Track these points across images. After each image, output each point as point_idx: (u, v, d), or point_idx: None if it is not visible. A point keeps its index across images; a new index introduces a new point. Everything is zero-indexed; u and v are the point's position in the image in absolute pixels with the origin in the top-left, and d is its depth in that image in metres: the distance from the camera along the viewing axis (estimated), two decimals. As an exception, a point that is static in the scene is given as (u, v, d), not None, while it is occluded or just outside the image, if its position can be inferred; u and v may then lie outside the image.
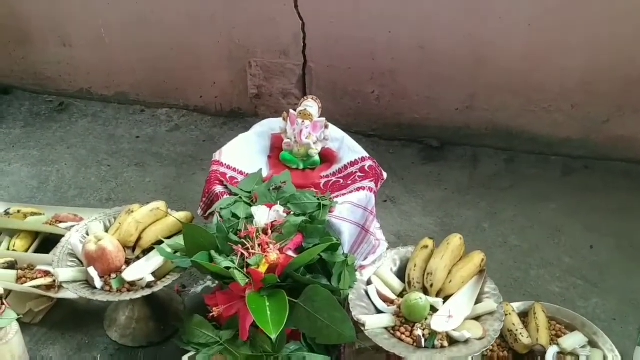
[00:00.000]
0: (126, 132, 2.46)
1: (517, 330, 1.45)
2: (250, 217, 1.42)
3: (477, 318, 1.39)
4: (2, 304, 1.42)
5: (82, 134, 2.45)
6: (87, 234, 1.57)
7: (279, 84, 2.36)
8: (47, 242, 1.84)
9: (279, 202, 1.46)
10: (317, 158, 1.68)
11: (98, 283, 1.43)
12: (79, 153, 2.33)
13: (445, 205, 2.08)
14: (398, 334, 1.35)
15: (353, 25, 2.18)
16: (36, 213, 1.89)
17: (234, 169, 1.64)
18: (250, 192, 1.52)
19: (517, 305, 1.55)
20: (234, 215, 1.43)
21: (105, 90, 2.62)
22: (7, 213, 1.89)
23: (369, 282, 1.46)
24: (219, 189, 1.55)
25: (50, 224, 1.83)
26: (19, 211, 1.89)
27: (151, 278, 1.45)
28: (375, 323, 1.35)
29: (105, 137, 2.43)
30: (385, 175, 1.68)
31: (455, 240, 1.48)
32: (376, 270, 1.48)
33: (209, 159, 2.25)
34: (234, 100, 2.48)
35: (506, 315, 1.45)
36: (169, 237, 1.54)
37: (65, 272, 1.46)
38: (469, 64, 2.18)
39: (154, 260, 1.49)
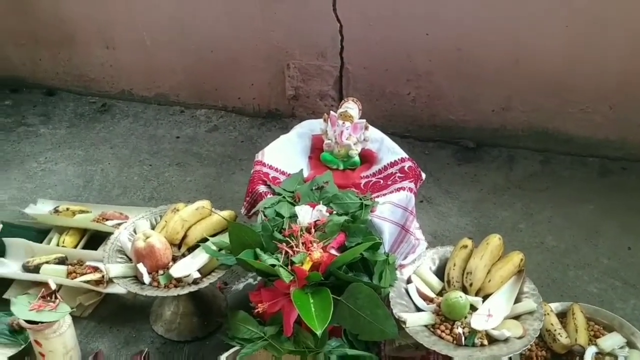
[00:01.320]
0: (166, 132, 2.52)
1: (555, 330, 1.46)
2: (293, 216, 1.45)
3: (516, 317, 1.40)
4: (56, 297, 1.48)
5: (124, 134, 2.52)
6: (135, 232, 1.62)
7: (316, 85, 2.40)
8: (94, 239, 1.91)
9: (321, 202, 1.49)
10: (357, 159, 1.71)
11: (147, 279, 1.48)
12: (122, 153, 2.40)
13: (481, 206, 2.09)
14: (438, 331, 1.37)
15: (390, 27, 2.20)
16: (84, 211, 1.96)
17: (276, 169, 1.67)
18: (292, 192, 1.55)
19: (555, 306, 1.56)
20: (278, 214, 1.47)
21: (145, 92, 2.69)
22: (56, 211, 1.96)
23: (408, 281, 1.48)
24: (262, 188, 1.59)
25: (97, 222, 1.89)
26: (67, 209, 1.95)
27: (197, 275, 1.49)
28: (415, 321, 1.37)
29: (146, 137, 2.49)
30: (424, 176, 1.71)
31: (495, 241, 1.50)
32: (416, 269, 1.50)
33: (248, 159, 2.31)
34: (271, 101, 2.52)
35: (545, 315, 1.46)
36: (213, 235, 1.58)
37: (116, 268, 1.51)
38: (506, 66, 2.19)
39: (200, 258, 1.53)
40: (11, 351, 1.56)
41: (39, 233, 1.92)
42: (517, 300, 1.44)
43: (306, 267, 1.33)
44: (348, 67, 2.33)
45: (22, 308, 1.45)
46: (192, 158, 2.35)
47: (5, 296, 1.72)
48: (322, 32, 2.28)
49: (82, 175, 2.27)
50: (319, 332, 1.20)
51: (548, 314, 1.50)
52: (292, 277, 1.33)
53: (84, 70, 2.71)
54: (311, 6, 2.23)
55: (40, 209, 1.99)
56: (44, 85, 2.82)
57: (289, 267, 1.34)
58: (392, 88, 2.33)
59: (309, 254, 1.35)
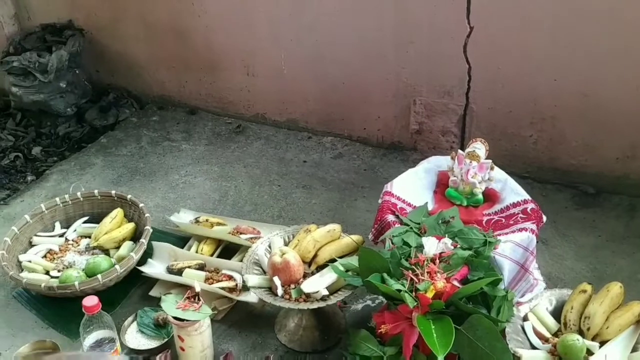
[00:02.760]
0: (295, 156, 2.68)
1: (671, 383, 1.46)
2: (420, 247, 1.54)
3: (633, 366, 1.42)
4: (200, 299, 1.65)
5: (257, 154, 2.70)
6: (270, 247, 1.77)
7: (440, 122, 2.48)
8: (227, 250, 2.08)
9: (447, 235, 1.57)
10: (480, 197, 1.78)
11: (280, 291, 1.62)
12: (254, 172, 2.58)
13: (598, 252, 2.08)
14: (553, 370, 1.41)
15: (518, 71, 2.25)
16: (221, 223, 2.13)
17: (403, 200, 1.77)
18: (419, 223, 1.65)
19: (672, 360, 1.55)
20: (405, 244, 1.56)
21: (278, 117, 2.87)
22: (197, 221, 2.15)
23: (525, 319, 1.53)
24: (390, 217, 1.69)
25: (233, 234, 2.06)
26: (207, 220, 2.14)
27: (326, 292, 1.61)
28: (531, 357, 1.42)
29: (276, 159, 2.66)
30: (544, 218, 1.75)
31: (616, 289, 1.52)
32: (532, 308, 1.55)
33: (369, 187, 2.43)
34: (395, 134, 2.63)
35: (661, 367, 1.46)
36: (341, 257, 1.70)
37: (254, 279, 1.66)
38: (634, 114, 2.17)
39: (328, 276, 1.65)
40: (155, 343, 1.74)
41: (179, 239, 2.12)
42: (634, 349, 1.45)
43: (430, 295, 1.41)
44: (472, 106, 2.40)
45: (171, 305, 1.62)
46: (317, 182, 2.50)
47: (150, 293, 1.92)
48: (450, 72, 2.37)
49: (218, 190, 2.47)
50: (440, 357, 1.28)
51: (665, 366, 1.49)
52: (415, 303, 1.41)
53: (224, 93, 2.94)
54: (442, 47, 2.33)
55: (183, 218, 2.19)
56: (187, 105, 3.08)
57: (414, 293, 1.43)
58: (515, 129, 2.37)
59: (433, 283, 1.43)
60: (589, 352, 1.44)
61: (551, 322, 1.54)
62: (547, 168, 2.41)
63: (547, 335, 1.50)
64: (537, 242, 1.68)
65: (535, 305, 1.56)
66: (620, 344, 1.45)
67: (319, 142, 2.77)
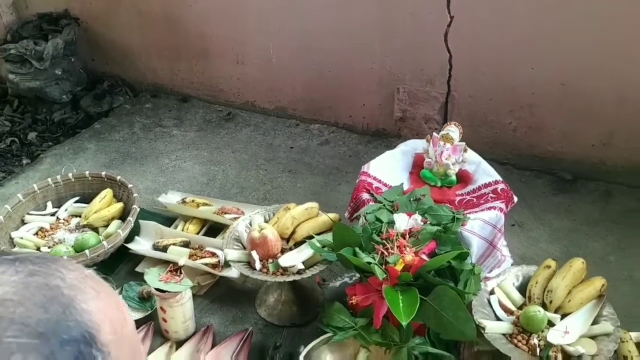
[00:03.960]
0: (282, 142, 2.73)
1: (632, 357, 1.50)
2: (391, 223, 1.59)
3: (592, 338, 1.47)
4: (181, 273, 1.70)
5: (245, 140, 2.75)
6: (251, 224, 1.82)
7: (422, 109, 2.53)
8: (212, 229, 2.13)
9: (417, 212, 1.62)
10: (454, 178, 1.83)
11: (258, 265, 1.67)
12: (242, 157, 2.63)
13: (572, 235, 2.13)
14: (515, 341, 1.46)
15: (497, 60, 2.30)
16: (207, 204, 2.19)
17: (379, 181, 1.82)
18: (392, 202, 1.69)
19: (635, 335, 1.59)
20: (378, 220, 1.61)
21: (267, 104, 2.92)
22: (183, 201, 2.20)
23: (491, 292, 1.58)
24: (365, 196, 1.74)
25: (217, 214, 2.11)
26: (193, 201, 2.19)
27: (302, 266, 1.66)
28: (494, 328, 1.47)
29: (264, 145, 2.71)
30: (515, 199, 1.80)
31: (578, 264, 1.57)
32: (499, 283, 1.60)
33: (353, 172, 2.47)
34: (380, 121, 2.67)
35: (623, 342, 1.51)
36: (319, 234, 1.75)
37: (233, 253, 1.71)
38: (610, 103, 2.22)
39: (305, 252, 1.70)
40: (139, 315, 1.80)
41: (167, 219, 2.17)
42: (595, 322, 1.50)
43: (398, 267, 1.46)
44: (454, 94, 2.44)
45: (154, 278, 1.67)
46: (303, 167, 2.54)
47: (137, 269, 1.97)
48: (432, 61, 2.41)
49: (206, 174, 2.52)
50: (404, 323, 1.33)
51: (627, 340, 1.54)
52: (385, 275, 1.47)
53: (215, 81, 2.99)
54: (424, 36, 2.37)
55: (170, 199, 2.24)
56: (179, 93, 3.12)
57: (383, 266, 1.48)
58: (495, 117, 2.42)
59: (402, 256, 1.48)
60: (551, 324, 1.49)
61: (517, 296, 1.58)
62: (526, 155, 2.46)
63: (513, 308, 1.55)
64: (508, 223, 1.73)
65: (502, 280, 1.60)
66: (582, 317, 1.50)
67: (306, 129, 2.81)
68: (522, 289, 1.62)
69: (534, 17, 2.17)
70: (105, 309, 0.48)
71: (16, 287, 0.44)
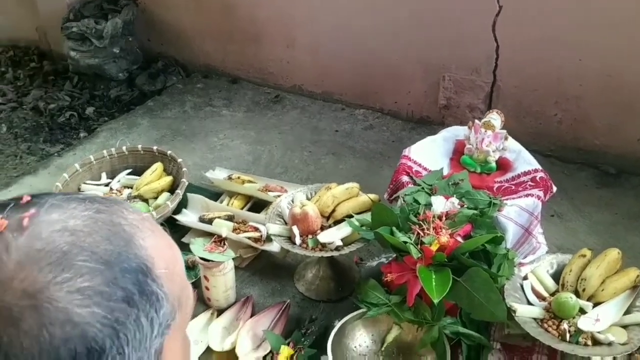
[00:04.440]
0: (327, 126, 2.78)
1: (663, 348, 1.50)
2: (429, 205, 1.62)
3: (623, 327, 1.47)
4: (225, 244, 1.77)
5: (291, 122, 2.81)
6: (293, 201, 1.87)
7: (467, 98, 2.54)
8: (256, 206, 2.19)
9: (455, 196, 1.65)
10: (493, 165, 1.84)
11: (298, 240, 1.72)
12: (287, 138, 2.68)
13: (611, 228, 2.12)
14: (545, 325, 1.47)
15: (544, 50, 2.29)
16: (252, 181, 2.25)
17: (420, 164, 1.85)
18: (431, 185, 1.72)
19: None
20: (415, 201, 1.65)
21: (314, 88, 2.97)
22: (229, 178, 2.27)
23: (525, 278, 1.60)
24: (405, 178, 1.78)
25: (262, 192, 2.17)
26: (238, 177, 2.26)
27: (340, 243, 1.70)
28: (525, 312, 1.49)
29: (310, 127, 2.76)
30: (554, 188, 1.80)
31: (613, 254, 1.57)
32: (533, 269, 1.61)
33: (395, 157, 2.48)
34: (424, 108, 2.69)
35: (655, 333, 1.51)
36: (358, 213, 1.80)
37: (274, 227, 1.77)
38: (657, 97, 2.19)
39: (344, 230, 1.75)
40: (184, 282, 1.88)
41: (213, 194, 2.25)
42: (627, 312, 1.50)
43: (433, 248, 1.49)
44: (499, 84, 2.44)
45: (199, 248, 1.75)
46: (347, 150, 2.59)
47: (183, 240, 2.05)
48: (479, 50, 2.42)
49: (252, 153, 2.59)
50: (435, 300, 1.37)
51: (659, 332, 1.54)
52: (420, 255, 1.50)
53: (265, 64, 3.05)
54: (472, 26, 2.38)
55: (217, 175, 2.32)
56: (230, 74, 3.20)
57: (419, 246, 1.52)
58: (539, 108, 2.41)
59: (438, 237, 1.51)
60: (582, 311, 1.50)
61: (550, 283, 1.60)
62: (571, 147, 2.44)
63: (545, 294, 1.57)
64: (546, 212, 1.74)
65: (536, 266, 1.62)
66: (614, 306, 1.50)
67: (351, 114, 2.85)
68: (556, 276, 1.63)
69: (583, 8, 2.16)
70: (159, 247, 0.55)
71: (86, 221, 0.51)
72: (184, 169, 2.17)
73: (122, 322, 0.48)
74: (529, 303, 1.55)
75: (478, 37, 2.39)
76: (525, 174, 1.79)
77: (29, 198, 0.52)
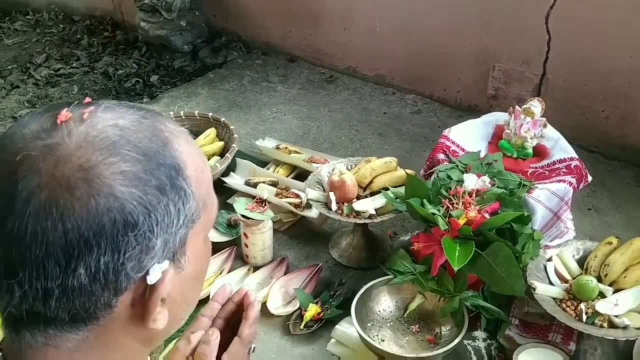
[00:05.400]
0: (377, 107, 2.83)
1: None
2: (460, 181, 1.67)
3: (641, 314, 1.49)
4: (266, 205, 1.86)
5: (342, 102, 2.87)
6: (333, 170, 1.95)
7: (515, 89, 2.54)
8: (300, 176, 2.27)
9: (487, 175, 1.69)
10: (530, 151, 1.86)
11: (334, 206, 1.80)
12: (337, 117, 2.75)
13: (648, 226, 2.11)
14: (563, 305, 1.50)
15: (596, 46, 2.27)
16: (298, 152, 2.33)
17: (458, 145, 1.89)
18: (466, 165, 1.77)
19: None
20: (448, 177, 1.70)
21: (367, 71, 3.02)
22: (277, 147, 2.37)
23: (549, 259, 1.62)
24: (441, 156, 1.83)
25: (306, 162, 2.25)
26: (286, 148, 2.35)
27: (373, 212, 1.77)
28: (545, 290, 1.52)
29: (359, 108, 2.82)
30: (589, 178, 1.81)
31: (639, 243, 1.58)
32: (559, 252, 1.64)
33: (440, 142, 2.54)
34: (472, 97, 2.71)
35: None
36: (394, 187, 1.85)
37: (313, 192, 1.85)
38: None
39: (378, 201, 1.81)
40: (225, 239, 1.98)
41: (260, 162, 2.34)
42: (648, 300, 1.51)
43: (461, 222, 1.54)
44: (549, 76, 2.44)
45: (241, 206, 1.84)
46: (393, 132, 2.64)
47: (228, 201, 2.15)
48: (530, 42, 2.42)
49: (302, 128, 2.67)
50: (455, 268, 1.42)
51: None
52: (447, 227, 1.55)
53: (322, 45, 3.12)
54: (525, 17, 2.38)
55: (267, 144, 2.41)
56: (288, 53, 3.29)
57: (447, 219, 1.57)
58: (587, 103, 2.40)
59: (466, 212, 1.56)
60: (602, 296, 1.52)
61: (574, 267, 1.61)
62: (616, 144, 2.42)
63: (568, 277, 1.58)
64: (579, 200, 1.75)
65: (562, 250, 1.64)
66: (635, 294, 1.50)
67: (401, 98, 2.90)
68: (581, 262, 1.64)
69: (636, 6, 2.14)
70: (191, 154, 0.64)
71: (133, 122, 0.61)
72: (235, 136, 2.27)
73: (154, 206, 0.58)
74: (551, 284, 1.58)
75: (531, 29, 2.39)
76: (561, 161, 1.81)
77: (89, 100, 0.62)
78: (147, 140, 0.60)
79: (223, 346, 0.90)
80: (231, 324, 0.95)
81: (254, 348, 0.94)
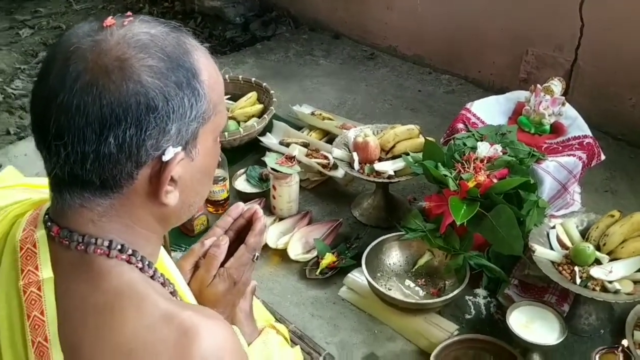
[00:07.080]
0: (412, 85, 2.91)
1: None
2: (474, 148, 1.75)
3: (634, 283, 1.55)
4: (294, 161, 1.99)
5: (379, 78, 2.97)
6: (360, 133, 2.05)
7: (547, 74, 2.57)
8: (331, 141, 2.38)
9: (500, 144, 1.77)
10: (547, 127, 1.92)
11: (356, 165, 1.90)
12: (373, 91, 2.85)
13: (663, 211, 2.13)
14: (560, 268, 1.57)
15: (628, 34, 2.30)
16: (331, 119, 2.45)
17: (478, 118, 1.97)
18: (482, 135, 1.85)
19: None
20: (464, 144, 1.78)
21: (406, 51, 3.10)
22: (312, 113, 2.48)
23: (553, 227, 1.70)
24: (460, 126, 1.91)
25: (338, 128, 2.36)
26: (320, 114, 2.47)
27: (392, 173, 1.88)
28: (543, 253, 1.60)
29: (395, 85, 2.91)
30: (602, 157, 1.87)
31: (639, 217, 1.64)
32: (563, 221, 1.71)
33: (469, 121, 2.61)
34: (505, 80, 2.76)
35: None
36: (414, 152, 1.95)
37: (338, 152, 1.96)
38: None
39: (398, 164, 1.91)
40: (256, 190, 2.12)
41: (296, 126, 2.47)
42: (640, 271, 1.57)
43: (470, 184, 1.63)
44: (580, 62, 2.47)
45: (272, 160, 1.97)
46: (425, 108, 2.72)
47: (262, 158, 2.28)
48: (564, 28, 2.46)
49: (338, 99, 2.77)
50: (458, 222, 1.51)
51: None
52: (456, 188, 1.65)
53: (365, 23, 3.21)
54: (560, 3, 2.42)
55: (303, 110, 2.53)
56: (333, 30, 3.39)
57: (457, 181, 1.66)
58: (616, 90, 2.43)
59: (476, 176, 1.64)
60: (598, 262, 1.59)
61: (576, 236, 1.67)
62: (641, 133, 2.45)
63: (569, 244, 1.65)
64: (586, 175, 1.81)
65: (566, 219, 1.71)
66: (630, 264, 1.56)
67: (436, 78, 2.97)
68: (584, 233, 1.71)
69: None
70: (208, 65, 0.78)
71: (162, 33, 0.74)
72: (274, 99, 2.39)
73: (171, 96, 0.71)
74: (552, 249, 1.65)
75: (565, 15, 2.43)
76: (575, 138, 1.87)
77: (130, 13, 0.77)
78: (172, 47, 0.73)
79: (232, 253, 1.04)
80: (241, 237, 1.08)
81: (258, 256, 1.06)
